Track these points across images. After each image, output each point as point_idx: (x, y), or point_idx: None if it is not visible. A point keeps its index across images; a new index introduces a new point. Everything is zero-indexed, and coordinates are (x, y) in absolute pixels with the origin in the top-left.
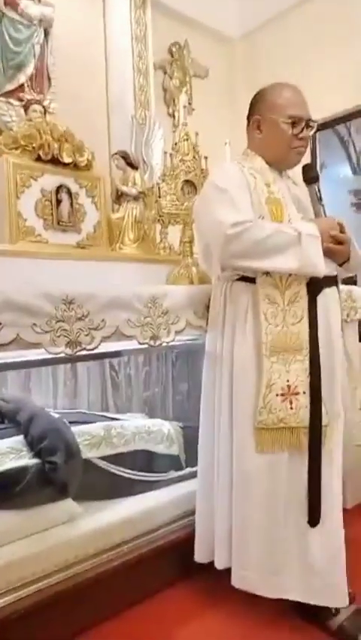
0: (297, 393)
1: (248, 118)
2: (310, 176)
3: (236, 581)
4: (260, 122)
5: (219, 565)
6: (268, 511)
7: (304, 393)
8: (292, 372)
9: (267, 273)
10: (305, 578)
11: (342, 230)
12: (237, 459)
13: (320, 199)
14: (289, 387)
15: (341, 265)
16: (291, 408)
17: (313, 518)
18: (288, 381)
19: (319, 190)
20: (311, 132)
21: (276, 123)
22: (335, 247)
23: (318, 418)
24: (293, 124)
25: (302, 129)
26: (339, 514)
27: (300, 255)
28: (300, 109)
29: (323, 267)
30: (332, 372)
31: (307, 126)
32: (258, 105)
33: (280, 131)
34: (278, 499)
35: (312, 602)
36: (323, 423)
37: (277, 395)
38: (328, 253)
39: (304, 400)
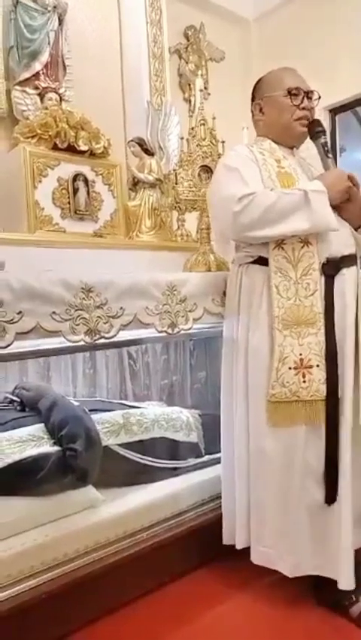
0: (310, 367)
1: (252, 110)
2: (316, 131)
3: (255, 557)
4: (261, 105)
5: (240, 544)
6: (284, 489)
7: (317, 366)
8: (305, 346)
9: (279, 247)
10: (321, 555)
11: (353, 183)
12: (253, 435)
13: (328, 152)
14: (301, 360)
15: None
16: (304, 381)
17: (330, 496)
18: (301, 354)
19: (326, 143)
20: (315, 104)
21: (275, 99)
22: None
23: (334, 391)
24: (292, 95)
25: (302, 99)
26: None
27: (309, 213)
28: (296, 82)
29: (334, 221)
30: (345, 348)
31: (308, 98)
32: (257, 92)
33: (280, 105)
34: (294, 476)
35: (329, 576)
36: (339, 394)
37: (289, 368)
38: (342, 213)
39: (318, 374)
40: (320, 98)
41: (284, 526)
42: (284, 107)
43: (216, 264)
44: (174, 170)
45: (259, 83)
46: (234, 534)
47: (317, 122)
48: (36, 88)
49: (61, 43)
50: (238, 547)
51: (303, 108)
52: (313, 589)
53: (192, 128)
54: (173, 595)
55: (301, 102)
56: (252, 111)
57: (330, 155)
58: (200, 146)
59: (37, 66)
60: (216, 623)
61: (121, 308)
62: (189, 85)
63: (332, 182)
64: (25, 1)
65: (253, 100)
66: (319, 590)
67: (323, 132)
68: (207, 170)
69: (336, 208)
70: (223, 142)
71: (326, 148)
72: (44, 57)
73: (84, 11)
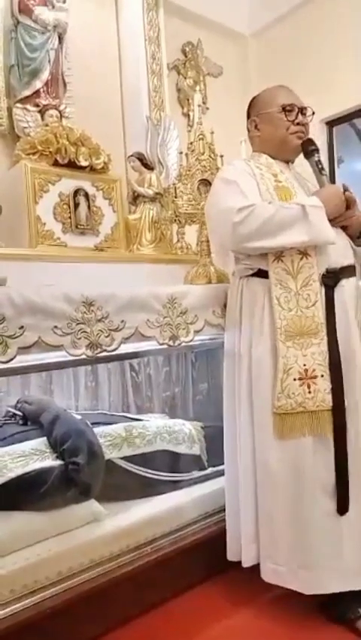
0: (315, 377)
1: (248, 127)
2: (309, 149)
3: (266, 576)
4: (257, 122)
5: (248, 562)
6: (294, 501)
7: (322, 376)
8: (309, 356)
9: (278, 259)
10: (338, 568)
11: (348, 191)
12: (259, 448)
13: (322, 169)
14: (306, 370)
15: (358, 239)
16: (309, 392)
17: (342, 506)
18: (305, 365)
19: (319, 161)
20: (309, 119)
21: (271, 115)
22: (346, 214)
23: (340, 400)
24: (286, 111)
25: (297, 115)
26: None
27: (308, 227)
28: (290, 99)
29: (332, 235)
30: (349, 357)
31: (302, 114)
32: (252, 109)
33: (275, 121)
34: (304, 489)
35: (347, 589)
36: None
37: (294, 379)
38: (340, 226)
39: (322, 384)
40: (313, 113)
41: (297, 540)
42: (279, 123)
43: (216, 276)
44: (174, 184)
45: (254, 101)
46: (239, 550)
47: (310, 141)
48: (37, 105)
49: (61, 61)
50: (246, 565)
51: (298, 123)
52: (320, 605)
53: (191, 143)
54: (177, 609)
55: (296, 117)
56: (248, 128)
57: (324, 172)
58: (199, 160)
59: (38, 84)
60: (221, 639)
61: (122, 321)
62: (188, 100)
63: (328, 198)
64: (26, 21)
65: (248, 117)
66: (326, 606)
67: (317, 150)
68: (207, 183)
69: (335, 220)
70: (222, 156)
71: (319, 165)
72: (45, 75)
73: (84, 30)
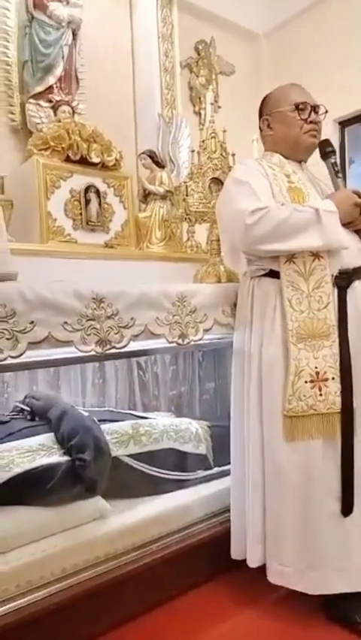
0: (326, 380)
1: (260, 126)
2: (326, 151)
3: (273, 577)
4: (269, 120)
5: (253, 562)
6: (303, 503)
7: (333, 379)
8: (321, 359)
9: (290, 261)
10: (345, 568)
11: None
12: (268, 451)
13: (338, 172)
14: (317, 373)
15: None
16: (320, 394)
17: (346, 507)
18: (316, 367)
19: (336, 163)
20: (321, 118)
21: (283, 114)
22: (360, 218)
23: (350, 402)
24: (299, 110)
25: (310, 113)
26: None
27: (321, 231)
28: (303, 97)
29: (346, 240)
30: (359, 361)
31: (315, 112)
32: (264, 108)
33: (288, 120)
34: (313, 490)
35: (353, 590)
36: (354, 406)
37: (306, 382)
38: (354, 230)
39: (333, 386)
40: (326, 112)
41: (304, 541)
42: (292, 122)
43: (226, 275)
44: (185, 182)
45: (266, 99)
46: (243, 549)
47: (328, 142)
48: (50, 101)
49: (74, 58)
50: (252, 565)
51: (311, 122)
52: (323, 605)
53: (203, 141)
54: (182, 608)
55: (309, 116)
56: (260, 127)
57: (340, 175)
58: (210, 158)
59: (51, 80)
60: (225, 639)
61: (132, 318)
62: (200, 98)
63: (342, 202)
64: (40, 17)
65: (260, 116)
66: (329, 606)
67: (333, 152)
68: (218, 182)
69: (348, 224)
70: (234, 155)
71: (336, 168)
72: (58, 71)
73: (97, 26)
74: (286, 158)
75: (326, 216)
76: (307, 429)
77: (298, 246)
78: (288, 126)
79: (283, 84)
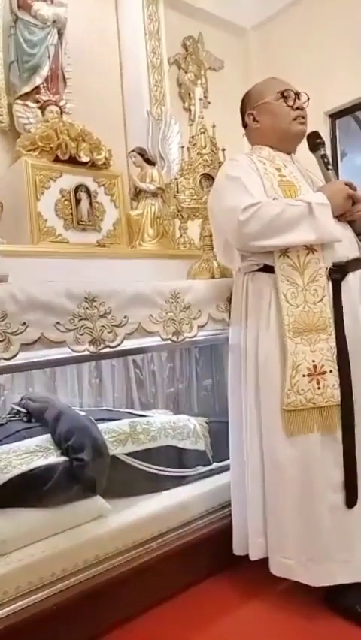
0: (323, 373)
1: (243, 123)
2: (315, 143)
3: (275, 569)
4: (255, 114)
5: (255, 555)
6: (303, 496)
7: (330, 372)
8: (318, 352)
9: (284, 255)
10: (347, 560)
11: (352, 188)
12: (267, 445)
13: (328, 164)
14: (315, 366)
15: None
16: (318, 387)
17: (351, 499)
18: (313, 361)
19: (326, 155)
20: (305, 105)
21: (269, 104)
22: (352, 209)
23: (349, 395)
24: (284, 97)
25: (294, 100)
26: None
27: (315, 225)
28: (284, 85)
29: (339, 232)
30: (358, 351)
31: (298, 98)
32: (247, 103)
33: (275, 108)
34: (313, 482)
35: (355, 581)
36: (353, 398)
37: (303, 376)
38: (347, 221)
39: (331, 379)
40: (308, 99)
41: (307, 534)
42: (279, 111)
43: (219, 271)
44: (176, 178)
45: (248, 95)
46: (245, 544)
47: (316, 134)
48: (37, 101)
49: (61, 57)
50: (253, 558)
51: (297, 108)
52: (325, 597)
53: (193, 137)
54: (184, 604)
55: (294, 102)
56: (245, 124)
57: (330, 167)
58: (201, 154)
59: (38, 80)
60: (228, 634)
61: (125, 317)
62: (189, 94)
63: (334, 194)
64: (25, 17)
65: (243, 113)
66: (331, 598)
67: (323, 144)
68: (209, 178)
69: (341, 216)
70: (224, 150)
71: (325, 160)
72: (44, 71)
73: (83, 25)
74: (275, 150)
75: (319, 209)
76: (307, 422)
77: (291, 240)
78: (275, 115)
79: (267, 78)
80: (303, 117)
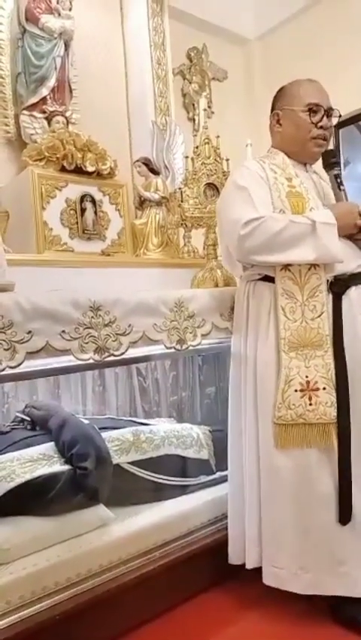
0: (316, 389)
1: (270, 119)
2: (329, 162)
3: (267, 578)
4: (280, 116)
5: (250, 564)
6: (297, 509)
7: (324, 389)
8: (312, 368)
9: (285, 269)
10: (337, 574)
11: None
12: (263, 456)
13: (341, 184)
14: (308, 382)
15: None
16: (310, 404)
17: (344, 516)
18: (307, 377)
19: (339, 175)
20: (334, 122)
21: (294, 113)
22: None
23: (346, 412)
24: (312, 112)
25: (322, 117)
26: None
27: (315, 244)
28: (318, 97)
29: (340, 254)
30: (356, 371)
31: (328, 116)
32: (278, 101)
33: (298, 120)
34: (306, 495)
35: (343, 594)
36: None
37: (295, 391)
38: (353, 241)
39: (325, 397)
40: (340, 116)
41: (299, 544)
42: (302, 123)
43: (223, 280)
44: (180, 188)
45: (281, 92)
46: (241, 553)
47: (332, 153)
48: (43, 112)
49: (67, 68)
50: (249, 567)
51: (321, 127)
52: (330, 607)
53: (197, 147)
54: (186, 614)
55: (320, 120)
56: (270, 119)
57: (343, 188)
58: (205, 164)
59: (45, 91)
60: None
61: (129, 325)
62: (193, 104)
63: (342, 215)
64: (33, 29)
65: (272, 108)
66: (336, 609)
67: (337, 164)
68: (213, 187)
69: (350, 236)
70: (228, 159)
71: (338, 180)
72: (51, 82)
73: (90, 36)
74: (290, 158)
75: (322, 229)
76: (296, 438)
77: (290, 258)
78: (297, 127)
79: (304, 78)
80: (324, 138)
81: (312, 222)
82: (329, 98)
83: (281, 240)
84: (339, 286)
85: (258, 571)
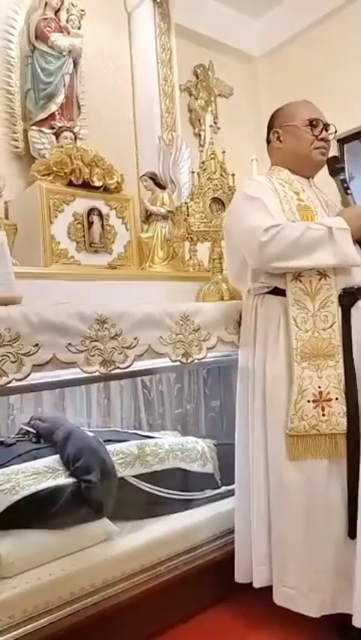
0: (329, 400)
1: (268, 138)
2: (335, 167)
3: (277, 598)
4: (280, 133)
5: (258, 583)
6: (307, 524)
7: (337, 399)
8: (324, 379)
9: (296, 279)
10: (347, 592)
11: None
12: (272, 470)
13: (347, 189)
14: (320, 393)
15: None
16: (323, 414)
17: (353, 530)
18: (320, 387)
19: (345, 180)
20: (331, 136)
21: (295, 128)
22: None
23: (356, 423)
24: (312, 126)
25: (321, 131)
26: None
27: (335, 250)
28: (317, 114)
29: (358, 257)
30: None
31: (326, 130)
32: (275, 121)
33: (300, 134)
34: (318, 510)
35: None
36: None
37: (308, 401)
38: None
39: (337, 407)
40: (336, 132)
41: (309, 562)
42: (303, 136)
43: (229, 293)
44: (186, 202)
45: (278, 113)
46: (248, 571)
47: (336, 159)
48: (52, 127)
49: (76, 85)
50: (256, 586)
51: (322, 139)
52: (336, 630)
53: (203, 162)
54: (191, 631)
55: (320, 133)
56: (268, 139)
57: (350, 192)
58: (210, 179)
59: (53, 107)
60: None
61: (135, 338)
62: (199, 120)
63: (353, 219)
64: (42, 47)
65: (269, 129)
66: (342, 631)
67: (343, 169)
68: (218, 202)
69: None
70: (233, 175)
71: (345, 184)
72: (60, 98)
73: (98, 54)
74: (294, 174)
75: (339, 234)
76: (309, 449)
77: (312, 263)
78: (299, 140)
79: (296, 100)
80: (325, 148)
81: (328, 228)
82: (323, 115)
83: (301, 246)
84: (348, 299)
85: (263, 588)
